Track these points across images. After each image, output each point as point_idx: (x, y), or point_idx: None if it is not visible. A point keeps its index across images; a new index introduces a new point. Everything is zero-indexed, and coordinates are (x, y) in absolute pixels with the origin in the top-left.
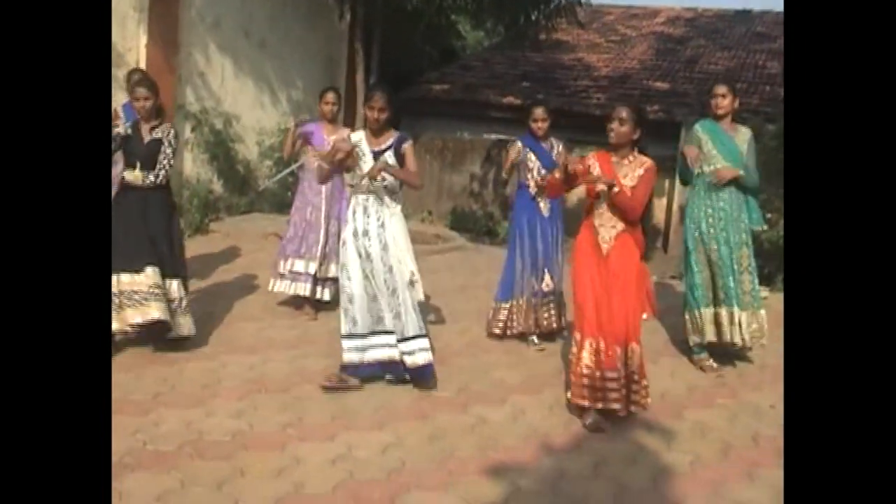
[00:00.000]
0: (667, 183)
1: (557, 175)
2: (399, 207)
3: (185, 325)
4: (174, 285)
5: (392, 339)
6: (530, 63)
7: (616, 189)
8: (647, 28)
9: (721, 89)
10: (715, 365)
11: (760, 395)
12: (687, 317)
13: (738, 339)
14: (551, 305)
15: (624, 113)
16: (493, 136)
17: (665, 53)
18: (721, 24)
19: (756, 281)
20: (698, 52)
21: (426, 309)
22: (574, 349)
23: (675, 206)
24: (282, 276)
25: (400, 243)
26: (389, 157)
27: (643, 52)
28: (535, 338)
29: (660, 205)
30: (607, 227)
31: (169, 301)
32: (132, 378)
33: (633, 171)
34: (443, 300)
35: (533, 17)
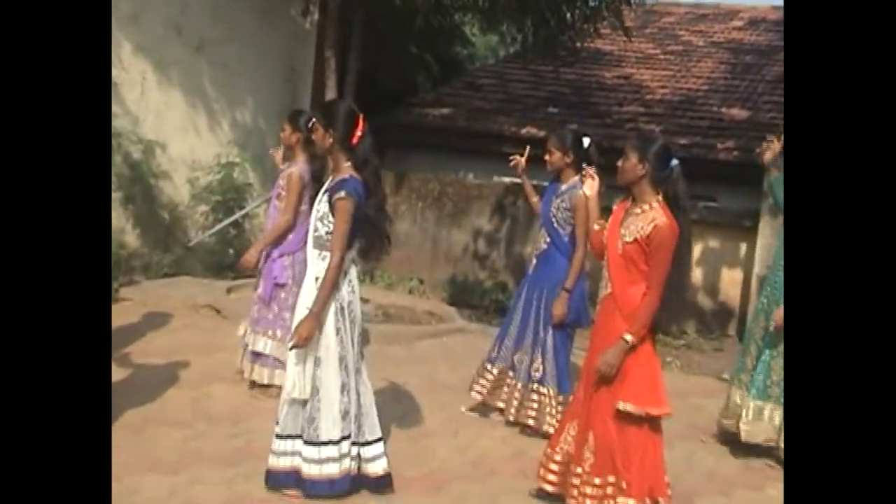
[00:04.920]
0: (743, 248)
1: (597, 226)
2: None
3: None
4: None
5: (351, 449)
6: (559, 81)
7: (628, 341)
8: (721, 34)
9: None
10: None
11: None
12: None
13: (748, 437)
14: (518, 388)
15: (627, 144)
16: (507, 180)
17: (744, 70)
18: None
19: None
20: None
21: (407, 411)
22: None
23: (754, 281)
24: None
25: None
26: (324, 204)
27: (714, 67)
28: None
29: (732, 278)
30: (604, 287)
31: None
32: None
33: (638, 224)
34: (438, 401)
35: (567, 19)
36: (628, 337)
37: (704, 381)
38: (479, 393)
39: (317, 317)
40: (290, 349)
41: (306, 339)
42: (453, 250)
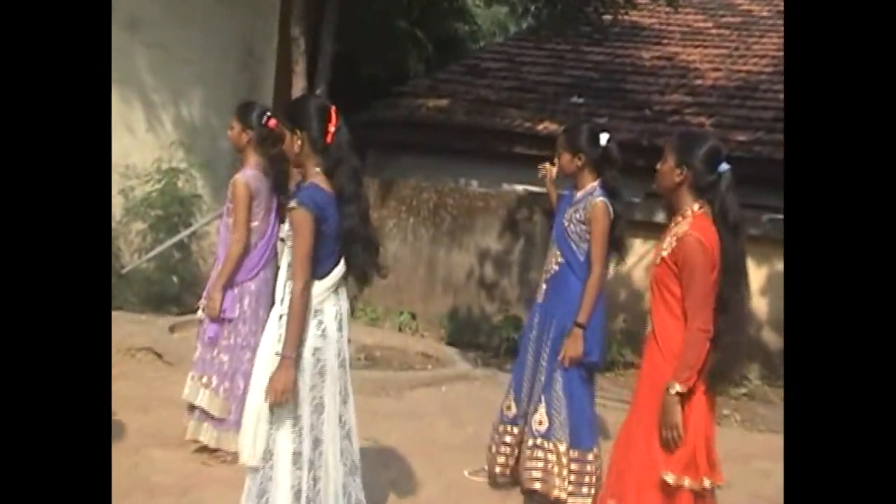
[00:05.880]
0: None
1: None
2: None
3: None
4: None
5: None
6: (584, 64)
7: (673, 393)
8: None
9: None
10: None
11: None
12: None
13: None
14: (506, 441)
15: (665, 143)
16: (520, 188)
17: None
18: None
19: None
20: None
21: (398, 478)
22: None
23: None
24: None
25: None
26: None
27: (780, 43)
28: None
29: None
30: (649, 324)
31: None
32: None
33: (667, 240)
34: (435, 465)
35: None
36: (675, 388)
37: (771, 440)
38: (505, 467)
39: (291, 362)
40: (270, 409)
41: (283, 394)
42: (453, 276)
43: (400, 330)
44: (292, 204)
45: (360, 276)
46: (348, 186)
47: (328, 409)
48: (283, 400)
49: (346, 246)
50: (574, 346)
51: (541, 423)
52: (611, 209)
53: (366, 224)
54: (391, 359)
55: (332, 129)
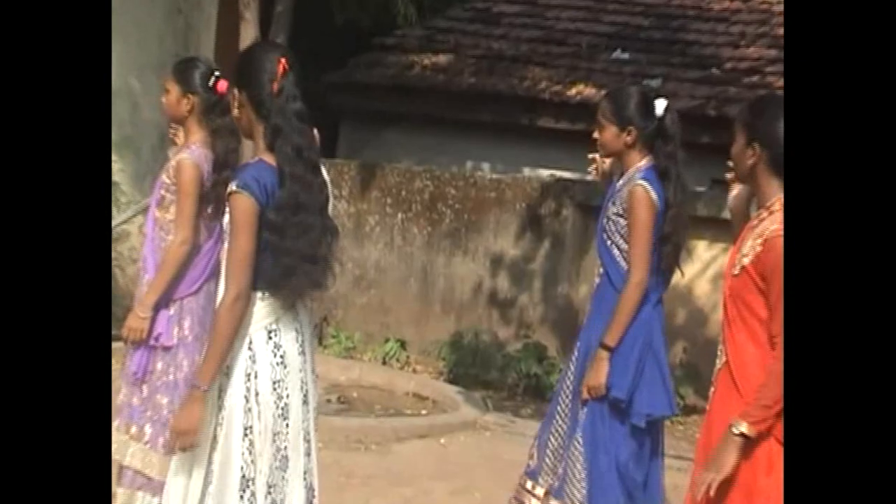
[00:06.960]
0: None
1: None
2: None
3: None
4: None
5: None
6: (631, 6)
7: (737, 433)
8: None
9: None
10: None
11: None
12: None
13: None
14: (526, 501)
15: (737, 117)
16: (546, 174)
17: None
18: None
19: None
20: None
21: None
22: None
23: None
24: None
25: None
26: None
27: None
28: None
29: None
30: (720, 355)
31: None
32: None
33: (748, 244)
34: None
35: None
36: (740, 427)
37: None
38: None
39: (203, 395)
40: (169, 452)
41: (187, 436)
42: (456, 291)
43: (385, 363)
44: (232, 187)
45: (276, 286)
46: (288, 162)
47: (292, 463)
48: (188, 444)
49: (274, 241)
50: (595, 374)
51: (556, 475)
52: (654, 195)
53: (303, 214)
54: (372, 401)
55: (275, 86)
